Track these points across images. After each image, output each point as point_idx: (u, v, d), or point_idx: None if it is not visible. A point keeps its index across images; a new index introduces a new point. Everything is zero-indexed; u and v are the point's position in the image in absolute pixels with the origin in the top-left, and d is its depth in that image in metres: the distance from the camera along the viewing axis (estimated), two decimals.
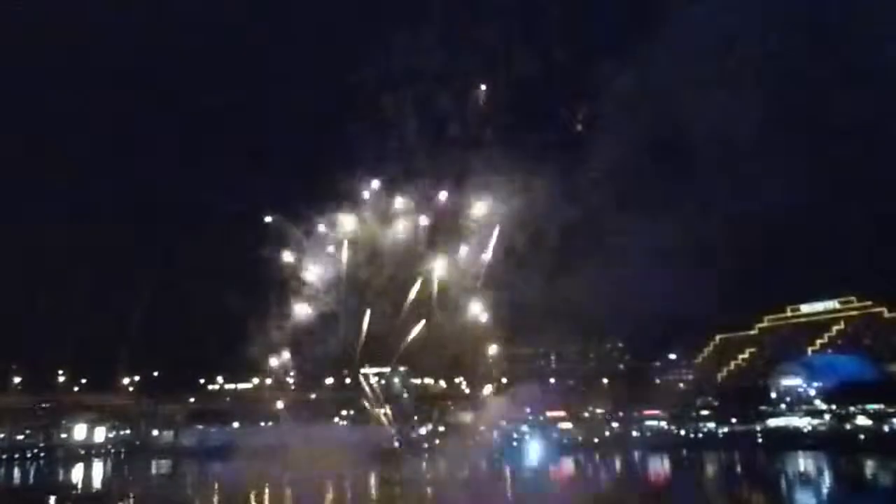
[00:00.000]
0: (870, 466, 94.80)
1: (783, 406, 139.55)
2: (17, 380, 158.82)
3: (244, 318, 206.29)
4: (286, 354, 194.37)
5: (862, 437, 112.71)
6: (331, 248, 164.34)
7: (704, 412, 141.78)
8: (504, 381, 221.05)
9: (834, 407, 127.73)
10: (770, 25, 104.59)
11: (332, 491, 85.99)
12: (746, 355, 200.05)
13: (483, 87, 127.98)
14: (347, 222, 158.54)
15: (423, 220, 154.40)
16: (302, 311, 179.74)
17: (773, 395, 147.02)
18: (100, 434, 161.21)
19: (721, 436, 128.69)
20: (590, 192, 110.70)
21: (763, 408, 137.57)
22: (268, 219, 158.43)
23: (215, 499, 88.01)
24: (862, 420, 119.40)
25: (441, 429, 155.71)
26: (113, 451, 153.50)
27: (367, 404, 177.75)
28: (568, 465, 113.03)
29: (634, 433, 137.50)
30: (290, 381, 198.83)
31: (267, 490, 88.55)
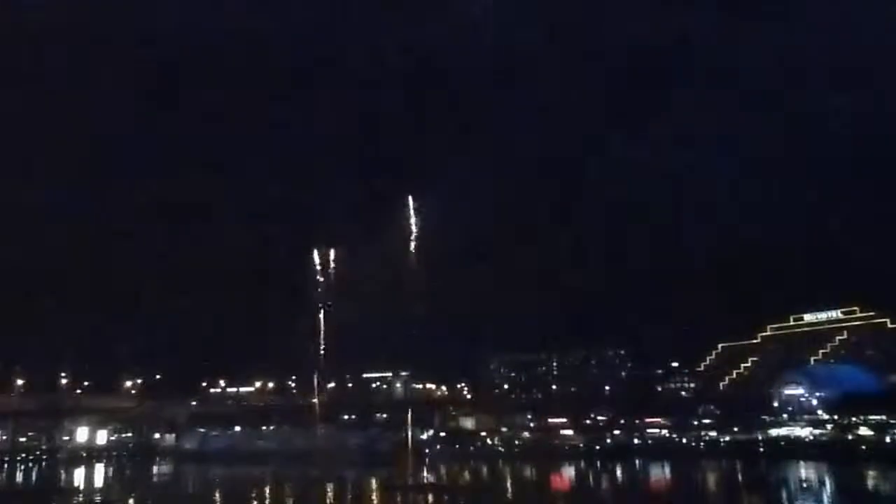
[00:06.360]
0: (871, 477, 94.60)
1: (785, 415, 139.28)
2: (19, 382, 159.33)
3: (248, 322, 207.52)
4: (287, 358, 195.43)
5: (864, 447, 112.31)
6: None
7: (706, 420, 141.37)
8: (506, 387, 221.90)
9: (836, 417, 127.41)
10: None
11: (331, 496, 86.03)
12: (749, 364, 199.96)
13: None
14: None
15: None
16: (305, 316, 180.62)
17: (776, 404, 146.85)
18: (102, 437, 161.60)
19: (723, 444, 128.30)
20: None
21: (765, 417, 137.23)
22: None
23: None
24: (864, 430, 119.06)
25: (442, 434, 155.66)
26: (115, 453, 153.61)
27: (368, 409, 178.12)
28: (569, 472, 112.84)
29: (636, 441, 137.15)
30: (292, 384, 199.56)
31: (267, 494, 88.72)
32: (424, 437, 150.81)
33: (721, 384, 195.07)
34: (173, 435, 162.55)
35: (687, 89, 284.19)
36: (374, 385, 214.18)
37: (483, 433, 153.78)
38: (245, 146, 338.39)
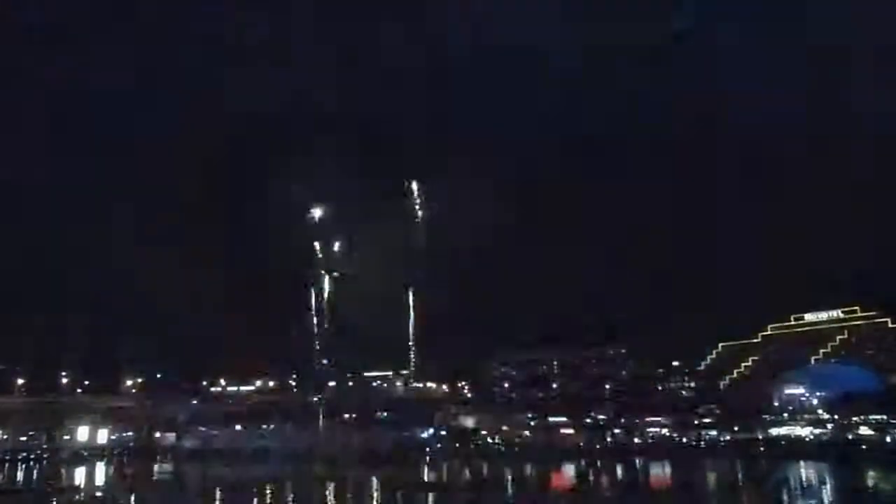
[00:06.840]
0: (871, 477, 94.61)
1: (785, 415, 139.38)
2: (20, 381, 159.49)
3: (248, 321, 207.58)
4: (288, 358, 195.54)
5: (864, 447, 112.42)
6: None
7: (706, 420, 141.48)
8: (507, 385, 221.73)
9: (836, 417, 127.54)
10: None
11: (332, 495, 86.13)
12: (749, 363, 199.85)
13: None
14: None
15: None
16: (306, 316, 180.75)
17: (776, 403, 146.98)
18: (102, 436, 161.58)
19: (723, 444, 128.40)
20: None
21: (765, 416, 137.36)
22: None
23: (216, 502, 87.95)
24: (864, 430, 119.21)
25: (443, 433, 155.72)
26: (116, 452, 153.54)
27: (368, 408, 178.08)
28: (569, 471, 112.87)
29: (636, 440, 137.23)
30: (293, 383, 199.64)
31: (267, 493, 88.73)
32: (425, 435, 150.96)
33: (721, 384, 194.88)
34: (174, 434, 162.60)
35: (685, 89, 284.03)
36: (374, 384, 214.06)
37: (483, 432, 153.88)
38: (245, 145, 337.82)
